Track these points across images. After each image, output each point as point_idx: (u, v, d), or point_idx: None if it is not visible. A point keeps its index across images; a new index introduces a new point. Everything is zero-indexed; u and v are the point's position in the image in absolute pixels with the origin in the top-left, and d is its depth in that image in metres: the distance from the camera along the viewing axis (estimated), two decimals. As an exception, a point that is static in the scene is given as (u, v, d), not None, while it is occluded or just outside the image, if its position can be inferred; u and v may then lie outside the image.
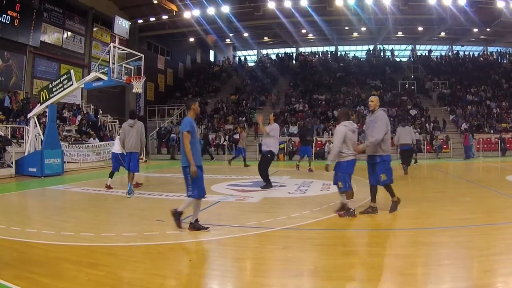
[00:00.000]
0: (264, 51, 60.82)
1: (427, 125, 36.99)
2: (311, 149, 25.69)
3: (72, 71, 20.95)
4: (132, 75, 19.65)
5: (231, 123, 40.36)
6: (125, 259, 6.70)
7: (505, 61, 50.86)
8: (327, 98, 43.59)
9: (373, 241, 7.91)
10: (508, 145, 33.98)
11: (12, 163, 20.79)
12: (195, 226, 8.43)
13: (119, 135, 15.69)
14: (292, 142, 34.44)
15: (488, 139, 35.03)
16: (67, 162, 23.76)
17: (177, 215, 8.47)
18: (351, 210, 9.81)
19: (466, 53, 54.64)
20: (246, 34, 50.59)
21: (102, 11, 37.54)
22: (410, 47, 56.25)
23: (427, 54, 55.19)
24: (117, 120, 34.21)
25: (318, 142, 34.58)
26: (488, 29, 43.81)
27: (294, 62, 55.60)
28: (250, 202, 12.10)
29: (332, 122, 37.79)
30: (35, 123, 21.71)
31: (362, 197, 11.68)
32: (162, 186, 15.70)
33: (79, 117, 30.67)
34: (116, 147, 15.56)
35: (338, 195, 10.30)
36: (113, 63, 18.90)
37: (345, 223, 9.24)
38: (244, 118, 40.53)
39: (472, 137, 32.81)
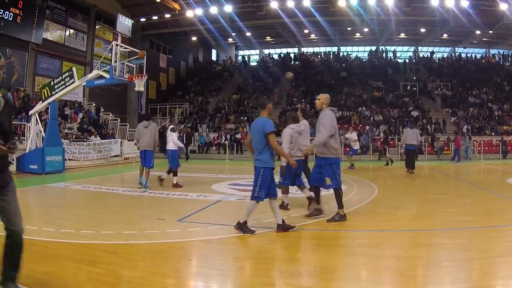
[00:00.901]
0: (266, 51, 60.74)
1: (428, 126, 36.98)
2: None
3: (74, 68, 20.93)
4: (134, 74, 19.66)
5: (232, 122, 40.36)
6: (125, 257, 6.71)
7: (507, 64, 50.81)
8: (329, 99, 43.52)
9: (373, 242, 7.89)
10: (509, 148, 33.98)
11: (13, 160, 20.77)
12: (242, 228, 8.29)
13: (171, 132, 15.85)
14: (293, 142, 34.36)
15: (489, 142, 35.03)
16: (68, 159, 23.72)
17: (243, 226, 8.30)
18: (285, 203, 10.81)
19: (468, 55, 54.60)
20: (248, 34, 50.48)
21: (105, 9, 37.51)
22: (412, 48, 56.15)
23: (429, 55, 55.16)
24: (118, 118, 34.23)
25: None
26: (490, 32, 43.75)
27: (295, 62, 55.47)
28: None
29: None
30: (37, 120, 21.72)
31: (358, 198, 11.68)
32: (163, 185, 15.67)
33: (80, 115, 30.68)
34: (170, 144, 15.80)
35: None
36: (115, 61, 18.91)
37: (345, 224, 9.23)
38: (245, 118, 40.53)
39: (469, 140, 32.80)
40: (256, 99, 44.11)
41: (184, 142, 30.18)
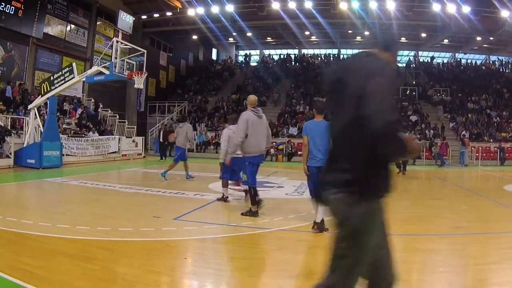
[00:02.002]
0: (266, 52, 60.73)
1: (427, 131, 36.99)
2: None
3: (74, 64, 20.97)
4: (134, 71, 19.68)
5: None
6: (120, 254, 6.70)
7: (507, 71, 50.84)
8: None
9: (369, 245, 7.88)
10: (507, 155, 33.99)
11: (10, 153, 20.79)
12: (320, 227, 8.37)
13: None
14: (292, 143, 34.43)
15: (488, 148, 35.04)
16: (66, 155, 23.71)
17: (321, 225, 8.40)
18: (224, 196, 11.97)
19: (469, 61, 54.62)
20: (249, 34, 50.43)
21: (106, 5, 37.52)
22: (412, 52, 56.13)
23: (429, 60, 55.18)
24: (117, 115, 34.22)
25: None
26: (491, 38, 43.80)
27: (294, 63, 55.39)
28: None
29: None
30: (35, 114, 21.71)
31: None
32: (160, 183, 15.68)
33: (79, 111, 30.66)
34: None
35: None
36: (116, 58, 18.95)
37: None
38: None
39: (464, 146, 32.85)
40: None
41: (161, 140, 29.68)
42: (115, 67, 18.79)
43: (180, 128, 17.62)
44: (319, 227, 8.41)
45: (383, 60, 3.32)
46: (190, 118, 41.38)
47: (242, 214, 9.89)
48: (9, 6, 27.32)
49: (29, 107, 22.12)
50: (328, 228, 8.22)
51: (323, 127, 8.10)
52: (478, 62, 54.42)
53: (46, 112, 22.53)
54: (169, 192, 13.49)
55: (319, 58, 56.45)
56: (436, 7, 35.82)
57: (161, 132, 29.61)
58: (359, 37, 52.44)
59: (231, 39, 57.12)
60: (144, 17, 41.66)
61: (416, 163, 31.66)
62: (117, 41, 19.95)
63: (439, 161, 31.79)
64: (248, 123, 9.83)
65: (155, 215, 9.77)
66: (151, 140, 38.44)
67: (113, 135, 30.18)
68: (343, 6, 37.29)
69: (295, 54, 57.69)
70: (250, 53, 60.33)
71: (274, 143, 34.53)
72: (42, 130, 21.36)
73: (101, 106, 34.55)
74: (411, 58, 55.12)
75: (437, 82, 47.18)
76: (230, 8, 39.19)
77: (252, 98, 10.49)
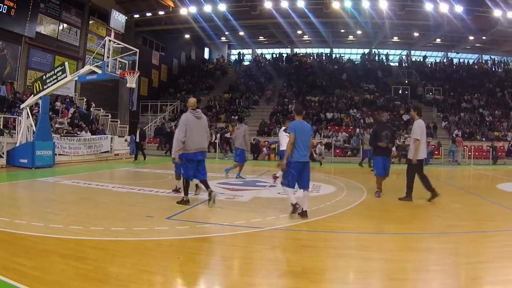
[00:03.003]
0: (259, 51, 60.81)
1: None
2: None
3: (66, 63, 20.92)
4: (126, 70, 19.64)
5: (223, 121, 40.43)
6: (113, 254, 6.68)
7: (499, 70, 51.03)
8: (320, 100, 43.68)
9: (362, 244, 7.90)
10: (499, 154, 34.15)
11: (3, 153, 20.72)
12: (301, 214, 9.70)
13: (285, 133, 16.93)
14: (284, 143, 34.42)
15: (480, 147, 35.18)
16: (58, 154, 23.67)
17: (299, 212, 9.70)
18: (177, 187, 12.93)
19: (461, 60, 54.80)
20: (242, 33, 50.51)
21: (99, 4, 37.48)
22: (404, 52, 56.24)
23: (422, 60, 55.30)
24: (109, 114, 34.16)
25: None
26: (484, 37, 43.97)
27: (286, 63, 55.42)
28: (240, 201, 12.13)
29: (325, 123, 38.00)
30: (28, 114, 21.64)
31: (348, 200, 11.75)
32: (152, 182, 15.66)
33: (71, 110, 30.59)
34: (284, 144, 16.42)
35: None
36: (108, 57, 18.93)
37: (334, 226, 9.27)
38: (236, 117, 40.55)
39: (454, 144, 33.03)
40: (247, 99, 44.29)
41: (137, 140, 28.78)
42: (108, 66, 18.76)
43: (237, 129, 18.94)
44: (303, 214, 9.65)
45: None
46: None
47: (177, 202, 11.28)
48: (2, 5, 27.26)
49: (21, 106, 22.06)
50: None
51: (307, 127, 10.12)
52: (471, 61, 54.63)
53: (39, 112, 22.47)
54: (161, 191, 13.47)
55: (312, 57, 56.47)
56: (428, 7, 35.98)
57: (138, 132, 28.85)
58: (352, 36, 52.74)
59: (223, 38, 57.28)
60: (136, 16, 41.72)
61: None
62: (110, 40, 19.92)
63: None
64: (188, 124, 10.98)
65: (147, 214, 9.75)
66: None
67: (105, 134, 30.12)
68: (335, 5, 37.42)
69: (287, 53, 57.77)
70: (243, 52, 60.38)
71: (267, 142, 34.59)
72: (34, 130, 21.29)
73: (93, 105, 34.49)
74: (404, 57, 55.22)
75: (429, 82, 47.35)
76: (222, 7, 39.32)
77: (192, 101, 11.69)
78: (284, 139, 15.95)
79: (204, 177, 11.58)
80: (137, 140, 28.23)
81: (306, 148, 9.79)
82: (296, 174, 9.82)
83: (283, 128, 17.31)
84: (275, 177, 16.49)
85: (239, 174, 18.03)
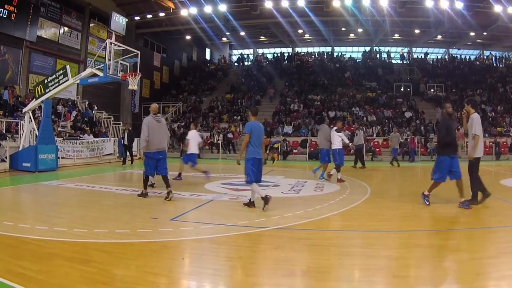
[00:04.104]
0: (260, 51, 60.79)
1: (422, 128, 37.03)
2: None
3: (68, 66, 20.94)
4: (128, 72, 19.63)
5: (225, 122, 40.41)
6: (118, 256, 6.69)
7: (501, 65, 50.95)
8: (322, 99, 43.66)
9: (366, 242, 7.90)
10: (502, 149, 34.09)
11: (6, 157, 20.75)
12: (250, 205, 10.99)
13: (337, 132, 18.09)
14: (287, 142, 34.44)
15: (483, 143, 35.04)
16: (61, 157, 23.68)
17: (251, 204, 10.96)
18: (152, 182, 14.05)
19: (463, 56, 54.72)
20: (242, 33, 50.52)
21: (99, 7, 37.49)
22: (406, 49, 56.12)
23: (423, 56, 55.22)
24: (112, 117, 34.16)
25: (313, 143, 34.53)
26: (484, 33, 43.90)
27: (286, 62, 55.41)
28: (244, 201, 12.10)
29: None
30: (30, 118, 21.65)
31: (351, 198, 11.75)
32: (156, 184, 15.65)
33: (74, 113, 30.61)
34: (337, 143, 17.85)
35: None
36: (109, 60, 18.91)
37: (338, 224, 9.29)
38: (239, 117, 40.56)
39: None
40: (249, 99, 44.30)
41: (125, 143, 26.87)
42: (109, 68, 18.75)
43: (320, 130, 19.12)
44: (251, 204, 10.92)
45: None
46: (184, 118, 41.41)
47: (138, 195, 12.77)
48: (2, 9, 27.28)
49: (23, 110, 22.06)
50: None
51: (261, 127, 11.18)
52: (472, 57, 54.54)
53: (41, 115, 22.48)
54: (165, 193, 13.48)
55: (313, 56, 56.42)
56: (429, 3, 35.93)
57: (126, 134, 27.18)
58: (352, 35, 52.68)
59: (224, 39, 57.27)
60: (137, 18, 41.68)
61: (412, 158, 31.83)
62: (111, 43, 19.92)
63: (431, 155, 31.81)
64: (149, 126, 12.35)
65: (151, 216, 9.78)
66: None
67: (108, 137, 30.12)
68: (336, 3, 37.39)
69: (288, 53, 57.70)
70: (247, 54, 60.45)
71: (270, 142, 34.56)
72: (37, 134, 21.30)
73: (95, 108, 34.50)
74: (405, 54, 55.11)
75: (431, 78, 47.27)
76: (223, 7, 39.29)
77: (154, 106, 13.31)
78: (336, 139, 17.69)
79: (164, 173, 12.69)
80: (125, 142, 26.87)
81: (260, 146, 10.94)
82: (255, 170, 10.84)
83: (335, 128, 18.15)
84: (329, 176, 17.66)
85: (323, 174, 18.06)
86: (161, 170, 12.68)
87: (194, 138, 17.46)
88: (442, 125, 11.81)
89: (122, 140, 27.03)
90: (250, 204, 10.94)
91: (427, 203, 11.21)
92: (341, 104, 42.07)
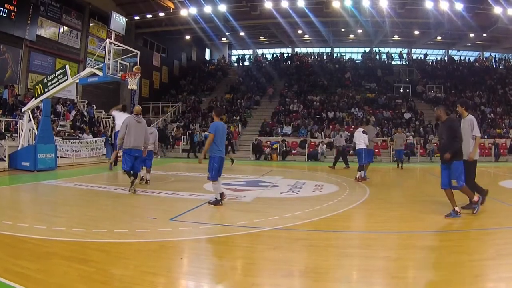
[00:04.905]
0: (260, 51, 60.77)
1: (421, 129, 37.05)
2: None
3: (67, 66, 20.89)
4: (128, 72, 19.62)
5: (225, 122, 40.34)
6: (116, 256, 6.69)
7: (500, 67, 50.97)
8: (322, 99, 43.65)
9: (365, 243, 7.91)
10: (501, 151, 34.11)
11: (5, 156, 20.73)
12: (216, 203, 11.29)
13: (363, 134, 18.58)
14: (286, 142, 34.43)
15: (482, 144, 35.06)
16: (60, 157, 23.67)
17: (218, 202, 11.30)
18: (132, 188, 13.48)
19: (462, 58, 54.74)
20: (242, 33, 50.44)
21: (99, 7, 37.48)
22: (405, 50, 56.12)
23: (422, 58, 55.22)
24: (111, 116, 34.13)
25: (312, 143, 34.55)
26: (484, 35, 43.93)
27: (286, 63, 55.39)
28: (243, 201, 12.12)
29: (326, 123, 37.95)
30: (29, 117, 21.63)
31: (350, 199, 11.76)
32: (154, 184, 15.65)
33: (73, 112, 30.61)
34: (361, 144, 18.37)
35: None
36: (109, 59, 18.90)
37: (336, 225, 9.28)
38: (238, 117, 40.58)
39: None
40: (248, 99, 44.32)
41: (113, 142, 24.73)
42: (109, 68, 18.74)
43: (368, 132, 19.15)
44: (217, 202, 11.26)
45: None
46: (184, 118, 41.43)
47: (129, 190, 13.29)
48: (2, 8, 27.26)
49: (23, 109, 22.03)
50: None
51: (225, 127, 11.82)
52: (472, 59, 54.56)
53: (40, 115, 22.46)
54: (164, 193, 13.48)
55: (312, 57, 56.41)
56: (429, 5, 36.01)
57: (113, 132, 25.34)
58: (352, 35, 52.70)
59: (224, 39, 57.29)
60: (136, 18, 41.72)
61: (411, 160, 31.84)
62: (110, 43, 19.92)
63: (429, 157, 31.80)
64: (128, 125, 13.39)
65: (150, 216, 9.77)
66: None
67: (107, 136, 30.09)
68: (335, 4, 37.47)
69: (288, 53, 57.70)
70: (243, 54, 60.47)
71: (269, 142, 34.56)
72: (36, 133, 21.28)
73: (94, 107, 34.49)
74: (404, 55, 55.12)
75: (430, 80, 47.32)
76: (222, 8, 39.35)
77: (137, 108, 14.51)
78: (361, 139, 18.28)
79: (138, 170, 14.02)
80: (113, 141, 23.85)
81: (223, 145, 11.63)
82: (218, 167, 11.38)
83: (362, 130, 18.70)
84: (358, 179, 17.96)
85: (364, 173, 18.47)
86: (137, 168, 13.83)
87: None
88: (455, 128, 10.23)
89: (110, 140, 26.81)
90: (217, 202, 11.26)
91: (475, 211, 10.25)
92: (341, 104, 42.06)
